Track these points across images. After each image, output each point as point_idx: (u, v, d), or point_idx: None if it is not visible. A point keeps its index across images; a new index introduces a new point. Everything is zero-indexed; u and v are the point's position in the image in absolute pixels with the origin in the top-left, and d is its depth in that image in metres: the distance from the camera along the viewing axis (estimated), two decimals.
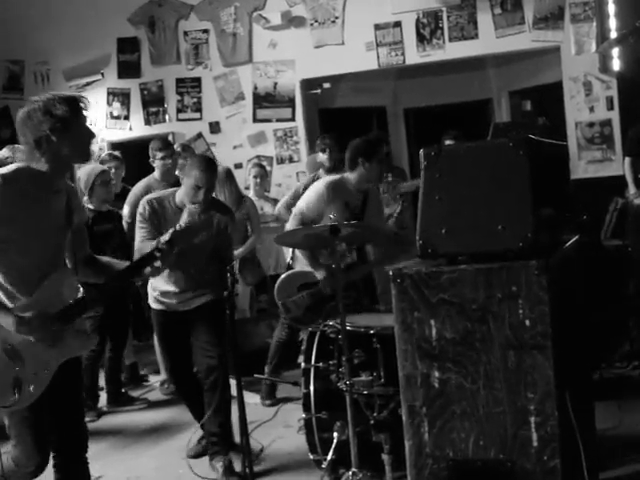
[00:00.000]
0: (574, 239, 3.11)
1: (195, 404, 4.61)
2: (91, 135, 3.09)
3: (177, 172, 6.18)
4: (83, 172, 5.75)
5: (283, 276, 5.24)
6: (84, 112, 3.03)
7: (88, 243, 3.37)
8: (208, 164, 4.36)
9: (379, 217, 5.45)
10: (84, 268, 3.27)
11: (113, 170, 6.52)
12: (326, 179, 5.26)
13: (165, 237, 3.29)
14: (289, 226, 5.19)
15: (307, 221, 5.02)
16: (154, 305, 4.59)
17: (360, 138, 5.21)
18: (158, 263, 3.21)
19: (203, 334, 4.41)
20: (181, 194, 4.34)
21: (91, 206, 5.69)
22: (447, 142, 6.67)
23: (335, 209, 4.93)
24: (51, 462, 3.25)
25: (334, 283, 4.78)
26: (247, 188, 7.18)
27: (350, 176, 5.09)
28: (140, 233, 4.33)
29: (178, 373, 4.72)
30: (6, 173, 2.94)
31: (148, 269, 3.24)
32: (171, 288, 4.46)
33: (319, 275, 4.99)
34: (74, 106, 2.98)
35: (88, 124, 3.07)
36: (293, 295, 5.11)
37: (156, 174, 6.35)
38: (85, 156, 3.17)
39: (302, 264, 5.21)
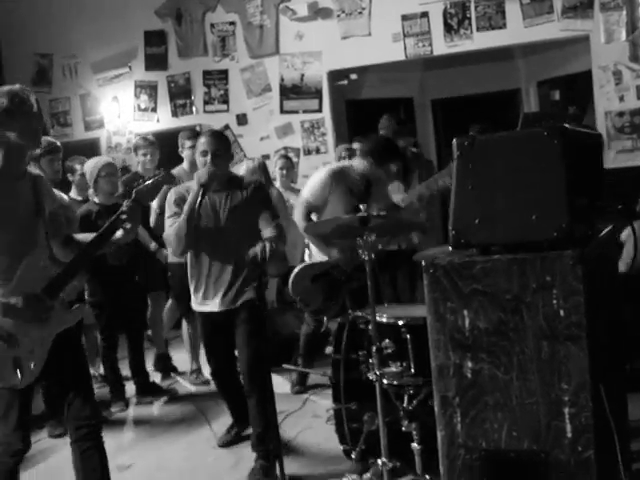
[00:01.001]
0: (609, 228, 3.08)
1: (235, 405, 4.65)
2: (38, 122, 3.16)
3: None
4: (88, 165, 5.68)
5: (294, 272, 5.25)
6: (28, 102, 3.09)
7: (65, 226, 3.44)
8: (213, 130, 4.59)
9: (385, 201, 5.38)
10: (63, 250, 3.34)
11: (149, 157, 6.48)
12: (328, 167, 5.29)
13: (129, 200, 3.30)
14: (296, 215, 5.23)
15: (312, 209, 5.07)
16: (196, 307, 4.53)
17: (385, 137, 5.22)
18: (127, 225, 3.24)
19: (241, 335, 4.37)
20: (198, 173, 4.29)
21: (96, 199, 5.62)
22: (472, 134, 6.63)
23: (338, 196, 4.96)
24: (65, 453, 3.30)
25: (352, 259, 4.83)
26: (274, 179, 7.20)
27: (357, 164, 5.10)
28: (169, 222, 4.34)
29: (221, 375, 4.67)
30: None
31: (119, 232, 3.27)
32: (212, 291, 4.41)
33: (335, 255, 5.01)
34: (15, 97, 3.07)
35: (34, 111, 3.12)
36: (308, 288, 5.12)
37: (185, 165, 6.35)
38: (36, 142, 3.26)
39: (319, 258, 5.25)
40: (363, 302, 4.21)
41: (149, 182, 3.36)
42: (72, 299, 3.40)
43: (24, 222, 3.15)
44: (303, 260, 5.78)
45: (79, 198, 5.96)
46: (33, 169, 3.39)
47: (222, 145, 4.30)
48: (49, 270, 3.19)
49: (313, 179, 5.25)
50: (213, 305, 4.38)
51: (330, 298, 5.09)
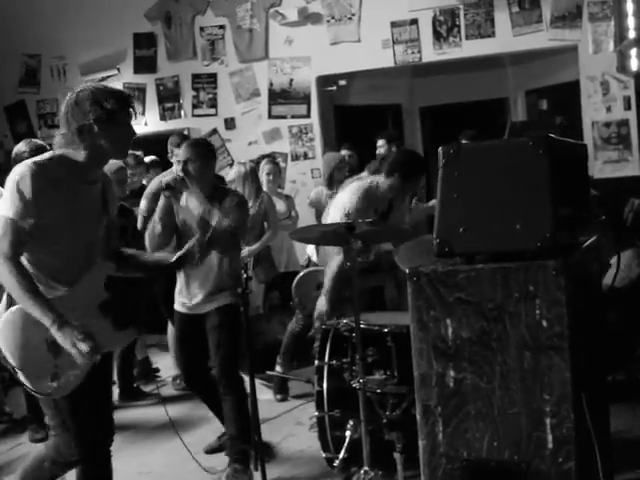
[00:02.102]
0: (593, 239, 3.08)
1: (213, 405, 4.63)
2: (132, 134, 3.08)
3: None
4: None
5: (303, 273, 5.26)
6: (131, 110, 3.03)
7: (117, 237, 3.38)
8: (191, 140, 4.81)
9: (401, 220, 5.38)
10: (109, 261, 3.27)
11: (136, 178, 6.63)
12: (361, 184, 5.11)
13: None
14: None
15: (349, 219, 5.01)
16: (175, 307, 4.58)
17: (412, 151, 5.15)
18: (194, 260, 3.27)
19: (214, 338, 4.41)
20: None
21: None
22: (463, 142, 6.64)
23: (364, 215, 4.89)
24: None
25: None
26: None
27: (382, 183, 5.01)
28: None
29: (191, 375, 4.68)
30: (39, 161, 2.93)
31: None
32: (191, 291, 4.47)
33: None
34: (123, 102, 2.98)
35: (132, 123, 3.06)
36: (311, 292, 5.11)
37: (174, 169, 6.33)
38: (123, 153, 3.18)
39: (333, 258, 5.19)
40: (367, 306, 4.24)
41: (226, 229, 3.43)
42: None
43: (92, 225, 3.09)
44: (309, 262, 5.74)
45: None
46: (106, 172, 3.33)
47: (195, 154, 4.33)
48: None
49: (353, 195, 5.02)
50: (189, 306, 4.44)
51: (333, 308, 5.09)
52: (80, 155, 2.98)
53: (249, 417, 4.31)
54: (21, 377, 2.93)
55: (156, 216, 4.29)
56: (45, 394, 2.98)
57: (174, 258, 3.38)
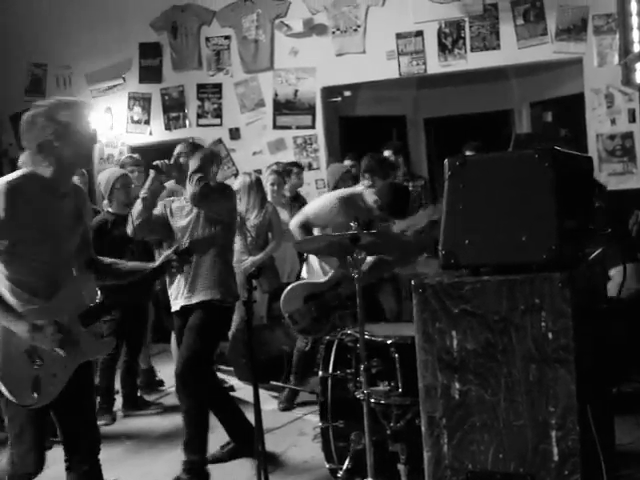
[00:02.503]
0: (598, 251, 3.08)
1: (218, 410, 4.62)
2: (93, 140, 3.14)
3: None
4: (103, 176, 5.78)
5: (288, 288, 5.23)
6: (86, 117, 3.06)
7: (92, 246, 3.39)
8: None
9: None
10: (86, 271, 3.31)
11: (136, 174, 6.59)
12: (340, 192, 5.27)
13: (185, 244, 3.33)
14: (294, 222, 5.20)
15: (310, 226, 5.07)
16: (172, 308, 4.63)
17: (373, 154, 5.24)
18: (174, 270, 3.26)
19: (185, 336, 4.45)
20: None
21: (111, 209, 5.71)
22: (468, 153, 6.65)
23: (344, 222, 4.96)
24: (64, 465, 3.26)
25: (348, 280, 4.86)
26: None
27: (368, 194, 5.10)
28: None
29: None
30: (12, 180, 2.96)
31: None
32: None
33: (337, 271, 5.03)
34: (76, 111, 3.02)
35: (90, 130, 3.10)
36: (299, 306, 5.11)
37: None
38: (87, 161, 3.21)
39: (317, 276, 5.22)
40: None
41: (206, 235, 3.43)
42: (101, 332, 3.35)
43: (67, 237, 3.11)
44: (299, 276, 5.75)
45: None
46: (77, 183, 3.35)
47: (188, 149, 4.47)
48: (92, 296, 3.17)
49: (322, 199, 5.23)
50: (177, 306, 4.51)
51: (319, 320, 5.09)
52: (47, 171, 3.01)
53: (203, 427, 4.33)
54: (3, 389, 2.96)
55: (140, 193, 4.36)
56: (26, 405, 3.00)
57: (153, 266, 3.37)
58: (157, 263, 3.33)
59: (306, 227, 5.18)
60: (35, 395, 2.97)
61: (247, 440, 4.39)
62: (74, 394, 3.13)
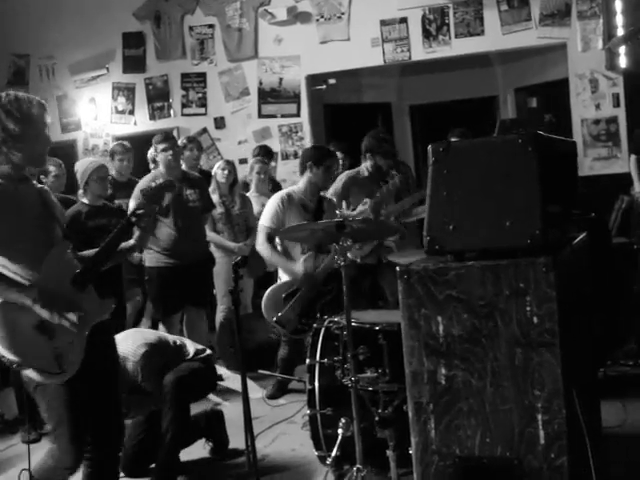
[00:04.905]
0: (582, 236, 3.09)
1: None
2: (47, 143, 3.12)
3: (182, 164, 6.23)
4: (80, 165, 5.60)
5: (265, 295, 5.22)
6: (39, 122, 3.05)
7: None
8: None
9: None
10: (64, 241, 3.31)
11: (125, 162, 6.63)
12: (276, 194, 5.47)
13: (131, 205, 3.35)
14: (260, 241, 5.27)
15: (274, 233, 5.19)
16: None
17: (313, 145, 5.40)
18: (142, 223, 3.28)
19: None
20: None
21: (85, 200, 5.53)
22: (453, 139, 6.64)
23: (294, 214, 5.20)
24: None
25: (310, 279, 5.10)
26: (249, 181, 7.11)
27: (297, 187, 5.39)
28: None
29: None
30: None
31: (136, 234, 3.36)
32: None
33: (297, 269, 5.10)
34: (26, 119, 3.00)
35: (44, 131, 3.08)
36: (281, 309, 5.10)
37: (161, 167, 6.30)
38: (41, 163, 3.21)
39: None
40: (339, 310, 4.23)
41: (154, 185, 3.40)
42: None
43: (37, 221, 3.11)
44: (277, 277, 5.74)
45: None
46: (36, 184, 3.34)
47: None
48: (74, 264, 3.17)
49: (268, 207, 5.35)
50: None
51: (305, 315, 5.09)
52: (4, 168, 3.05)
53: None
54: (30, 373, 2.96)
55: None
56: (59, 380, 3.00)
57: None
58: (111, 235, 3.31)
59: (272, 239, 5.28)
60: (64, 366, 2.98)
61: None
62: (98, 387, 3.19)
